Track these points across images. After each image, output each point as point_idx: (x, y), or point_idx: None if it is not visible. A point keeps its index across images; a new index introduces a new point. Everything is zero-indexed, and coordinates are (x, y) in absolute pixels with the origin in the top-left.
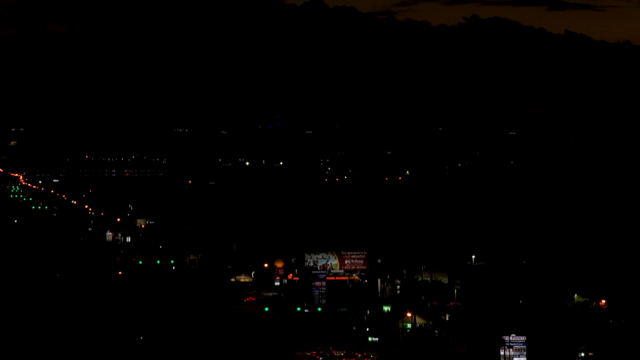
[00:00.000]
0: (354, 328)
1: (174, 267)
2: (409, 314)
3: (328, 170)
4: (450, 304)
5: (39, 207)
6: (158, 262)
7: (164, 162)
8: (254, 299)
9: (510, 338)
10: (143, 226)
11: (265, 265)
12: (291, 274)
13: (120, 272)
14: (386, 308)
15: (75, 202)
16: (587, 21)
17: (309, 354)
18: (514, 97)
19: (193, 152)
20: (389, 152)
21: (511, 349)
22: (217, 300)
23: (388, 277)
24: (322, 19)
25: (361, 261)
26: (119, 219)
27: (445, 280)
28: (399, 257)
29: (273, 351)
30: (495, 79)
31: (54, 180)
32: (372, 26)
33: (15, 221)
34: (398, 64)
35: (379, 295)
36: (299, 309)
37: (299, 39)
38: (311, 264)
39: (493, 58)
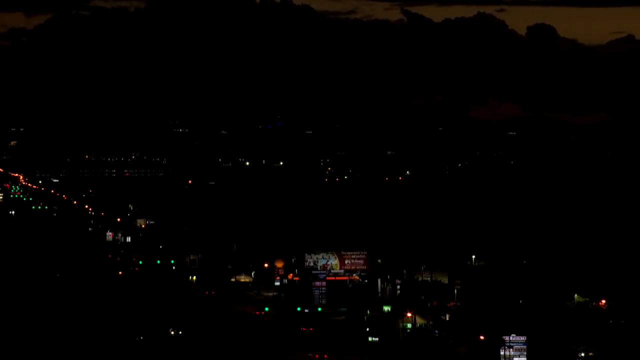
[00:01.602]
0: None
1: (174, 267)
2: (409, 314)
3: (328, 170)
4: (450, 304)
5: (39, 207)
6: (158, 262)
7: (164, 162)
8: None
9: (510, 338)
10: (143, 226)
11: (265, 265)
12: (291, 274)
13: (120, 272)
14: (386, 308)
15: (75, 202)
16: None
17: (310, 354)
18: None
19: (193, 152)
20: (389, 152)
21: (511, 349)
22: (217, 300)
23: (388, 277)
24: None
25: (361, 261)
26: (119, 219)
27: (445, 280)
28: (399, 257)
29: (272, 351)
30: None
31: (54, 180)
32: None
33: (15, 221)
34: (398, 63)
35: (379, 295)
36: (299, 309)
37: (298, 39)
38: (311, 264)
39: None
